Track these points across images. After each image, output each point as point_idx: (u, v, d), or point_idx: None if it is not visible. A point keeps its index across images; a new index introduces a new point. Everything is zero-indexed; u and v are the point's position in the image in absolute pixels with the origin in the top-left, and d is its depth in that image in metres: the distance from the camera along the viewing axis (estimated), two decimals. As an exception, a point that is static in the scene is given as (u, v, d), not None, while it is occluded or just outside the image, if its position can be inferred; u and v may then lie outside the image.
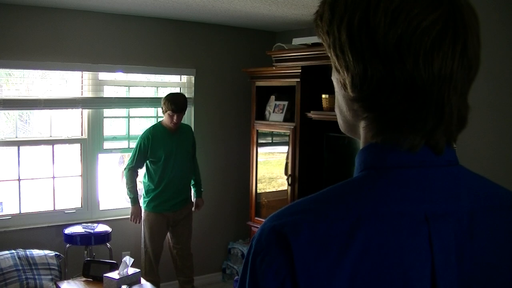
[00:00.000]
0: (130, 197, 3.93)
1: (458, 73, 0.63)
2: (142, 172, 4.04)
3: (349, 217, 0.62)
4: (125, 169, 3.96)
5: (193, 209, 4.13)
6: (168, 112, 3.81)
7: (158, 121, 3.99)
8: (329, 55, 0.69)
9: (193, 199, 4.20)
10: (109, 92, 4.32)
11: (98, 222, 4.07)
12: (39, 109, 3.99)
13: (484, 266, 0.66)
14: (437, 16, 0.62)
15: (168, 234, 4.04)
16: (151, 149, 3.86)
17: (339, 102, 0.73)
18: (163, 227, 3.95)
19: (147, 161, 3.91)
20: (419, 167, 0.65)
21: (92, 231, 3.80)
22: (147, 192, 3.95)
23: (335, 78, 0.71)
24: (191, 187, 4.16)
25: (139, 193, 4.01)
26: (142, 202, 3.99)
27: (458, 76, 0.63)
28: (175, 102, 3.79)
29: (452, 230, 0.64)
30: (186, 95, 4.60)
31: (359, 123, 0.70)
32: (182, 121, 4.05)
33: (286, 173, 4.15)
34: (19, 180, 3.97)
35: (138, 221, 3.94)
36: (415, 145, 0.64)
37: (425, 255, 0.62)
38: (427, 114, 0.63)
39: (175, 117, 3.81)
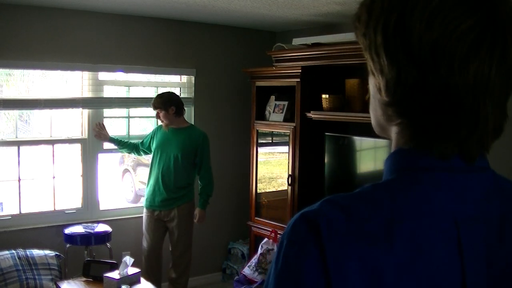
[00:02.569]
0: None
1: (496, 81, 0.61)
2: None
3: (380, 215, 0.62)
4: None
5: (195, 220, 4.06)
6: None
7: None
8: (366, 57, 0.69)
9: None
10: (109, 92, 4.32)
11: (98, 222, 4.07)
12: (39, 109, 3.98)
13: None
14: (475, 21, 0.59)
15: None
16: (152, 139, 4.02)
17: (374, 106, 0.72)
18: (153, 224, 3.93)
19: None
20: (450, 171, 0.64)
21: (92, 231, 3.80)
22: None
23: (371, 82, 0.71)
24: (199, 196, 4.07)
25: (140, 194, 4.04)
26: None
27: (496, 84, 0.61)
28: (153, 99, 3.94)
29: (482, 233, 0.63)
30: (186, 95, 4.62)
31: (392, 128, 0.70)
32: (200, 126, 4.09)
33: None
34: (19, 180, 3.97)
35: (95, 133, 4.07)
36: (448, 153, 0.63)
37: (454, 258, 0.62)
38: (461, 122, 0.61)
39: (155, 114, 3.94)
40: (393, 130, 0.69)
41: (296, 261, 0.61)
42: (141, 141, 4.14)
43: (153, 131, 4.11)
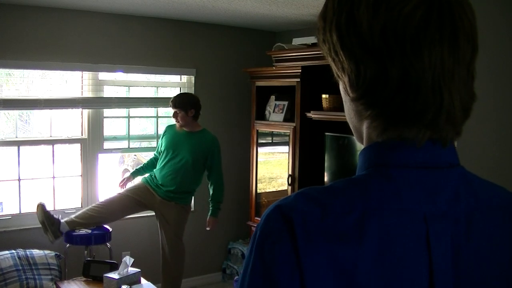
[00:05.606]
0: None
1: (450, 58, 0.62)
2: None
3: (354, 212, 0.62)
4: None
5: (207, 228, 4.04)
6: None
7: None
8: (330, 63, 0.70)
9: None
10: (109, 92, 4.32)
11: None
12: (39, 109, 3.99)
13: (479, 268, 0.66)
14: (419, 1, 0.61)
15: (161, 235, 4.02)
16: (162, 140, 4.01)
17: (347, 110, 0.73)
18: (138, 197, 3.91)
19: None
20: (421, 168, 0.65)
21: (92, 231, 3.79)
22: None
23: (340, 87, 0.72)
24: (210, 202, 4.03)
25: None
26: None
27: (451, 61, 0.62)
28: (172, 98, 3.89)
29: (450, 230, 0.64)
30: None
31: (363, 124, 0.70)
32: (206, 126, 4.05)
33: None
34: (19, 180, 3.97)
35: (121, 185, 4.08)
36: (420, 138, 0.64)
37: (423, 254, 0.63)
38: (426, 104, 0.62)
39: (173, 113, 3.87)
40: (365, 126, 0.70)
41: (270, 253, 0.61)
42: (155, 156, 4.11)
43: (163, 133, 4.05)
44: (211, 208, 4.00)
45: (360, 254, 0.60)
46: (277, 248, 0.61)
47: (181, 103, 3.82)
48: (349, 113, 0.73)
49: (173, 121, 3.96)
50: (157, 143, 4.14)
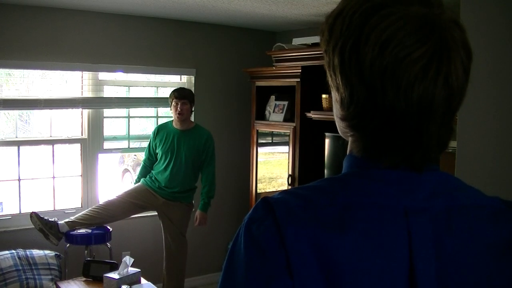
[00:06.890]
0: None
1: (439, 105, 0.66)
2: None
3: (335, 205, 0.67)
4: None
5: (195, 224, 4.05)
6: (172, 101, 3.88)
7: (170, 120, 4.07)
8: (326, 72, 0.74)
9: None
10: (109, 92, 4.32)
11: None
12: (39, 109, 3.99)
13: (461, 262, 0.68)
14: (423, 52, 0.64)
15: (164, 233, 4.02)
16: (156, 142, 3.98)
17: (335, 111, 0.78)
18: (139, 201, 3.90)
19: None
20: (401, 169, 0.70)
21: (92, 230, 3.79)
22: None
23: (332, 92, 0.76)
24: (200, 197, 4.04)
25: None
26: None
27: (439, 107, 0.66)
28: (177, 90, 3.92)
29: (430, 225, 0.68)
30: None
31: (348, 136, 0.77)
32: (206, 126, 4.06)
33: None
34: (19, 180, 3.97)
35: None
36: (395, 165, 0.69)
37: (403, 247, 0.66)
38: (406, 140, 0.67)
39: (179, 105, 3.85)
40: (349, 139, 0.77)
41: (257, 231, 0.66)
42: (148, 158, 4.06)
43: (152, 133, 4.03)
44: (201, 202, 4.01)
45: (342, 241, 0.64)
46: (263, 228, 0.66)
47: (189, 95, 3.90)
48: (336, 115, 0.78)
49: (164, 121, 3.99)
50: (148, 144, 4.07)
